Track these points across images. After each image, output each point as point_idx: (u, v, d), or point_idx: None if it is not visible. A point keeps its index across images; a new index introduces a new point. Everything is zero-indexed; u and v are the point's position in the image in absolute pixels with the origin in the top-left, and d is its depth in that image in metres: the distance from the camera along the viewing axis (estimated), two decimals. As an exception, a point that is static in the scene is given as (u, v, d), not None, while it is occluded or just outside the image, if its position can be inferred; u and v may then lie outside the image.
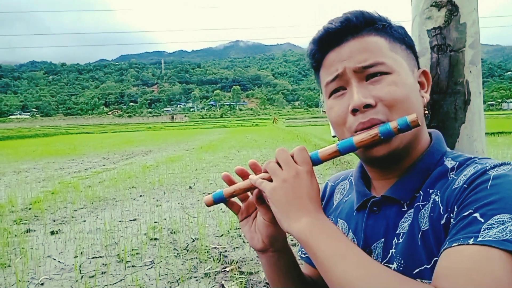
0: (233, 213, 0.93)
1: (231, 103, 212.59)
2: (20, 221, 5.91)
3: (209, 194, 0.89)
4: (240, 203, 0.93)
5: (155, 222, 5.71)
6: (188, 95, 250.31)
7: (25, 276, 3.88)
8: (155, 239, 4.93)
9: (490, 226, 0.61)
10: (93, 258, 4.34)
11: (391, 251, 0.78)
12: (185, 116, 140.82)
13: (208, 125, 65.95)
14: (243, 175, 0.87)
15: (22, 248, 4.63)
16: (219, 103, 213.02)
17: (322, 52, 0.85)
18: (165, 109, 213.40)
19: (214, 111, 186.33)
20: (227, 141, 23.25)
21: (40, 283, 3.73)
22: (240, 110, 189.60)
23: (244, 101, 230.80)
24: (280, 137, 24.08)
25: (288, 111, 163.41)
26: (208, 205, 0.90)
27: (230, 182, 0.88)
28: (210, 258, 4.22)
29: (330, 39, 0.82)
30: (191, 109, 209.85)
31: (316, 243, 0.70)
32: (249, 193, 0.90)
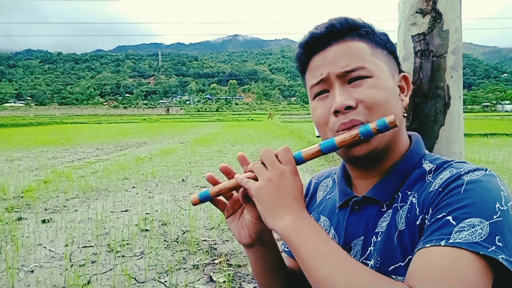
0: (220, 210, 0.96)
1: (227, 97, 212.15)
2: (12, 209, 5.92)
3: (195, 193, 0.92)
4: (225, 201, 0.95)
5: (147, 213, 5.75)
6: (184, 88, 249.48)
7: (15, 263, 3.91)
8: (146, 230, 4.97)
9: (461, 229, 0.64)
10: (83, 247, 4.37)
11: (369, 248, 0.82)
12: (181, 109, 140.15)
13: (204, 119, 65.82)
14: (228, 173, 0.90)
15: (13, 235, 4.65)
16: (215, 97, 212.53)
17: (308, 55, 0.88)
18: (160, 101, 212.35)
19: (210, 104, 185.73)
20: (222, 135, 23.25)
21: (30, 270, 3.76)
22: (236, 104, 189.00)
23: (240, 96, 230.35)
24: (275, 133, 24.10)
25: (284, 107, 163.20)
26: (194, 204, 0.93)
27: (215, 182, 0.91)
28: (199, 250, 4.27)
29: (315, 43, 0.86)
30: (187, 102, 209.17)
31: (299, 241, 0.73)
32: (234, 191, 0.93)
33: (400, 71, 0.93)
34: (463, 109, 1.26)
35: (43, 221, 5.33)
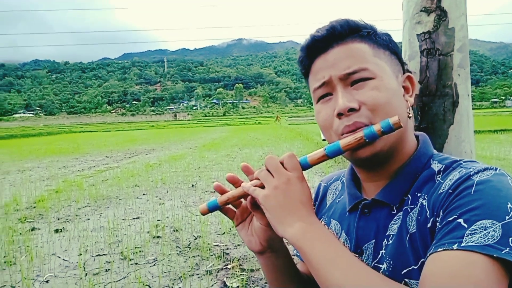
0: (229, 218, 0.95)
1: (234, 101, 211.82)
2: (25, 220, 5.98)
3: (204, 203, 0.93)
4: (234, 209, 0.95)
5: (158, 220, 5.77)
6: (191, 94, 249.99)
7: (30, 273, 3.94)
8: (158, 237, 4.99)
9: (473, 232, 0.63)
10: (97, 255, 4.40)
11: (381, 252, 0.81)
12: (188, 114, 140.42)
13: (211, 123, 65.97)
14: (235, 182, 0.90)
15: (27, 246, 4.70)
16: (222, 101, 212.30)
17: (310, 59, 0.88)
18: (168, 107, 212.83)
19: (217, 109, 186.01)
20: (230, 140, 23.29)
21: (45, 280, 3.79)
22: (243, 108, 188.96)
23: (246, 99, 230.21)
24: (283, 135, 24.09)
25: (291, 109, 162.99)
26: (203, 214, 0.93)
27: (222, 191, 0.90)
28: (212, 255, 4.27)
29: (316, 46, 0.86)
30: (194, 108, 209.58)
31: (309, 248, 0.73)
32: (242, 199, 0.92)
33: (404, 71, 0.92)
34: (472, 106, 1.25)
35: (56, 231, 5.37)
